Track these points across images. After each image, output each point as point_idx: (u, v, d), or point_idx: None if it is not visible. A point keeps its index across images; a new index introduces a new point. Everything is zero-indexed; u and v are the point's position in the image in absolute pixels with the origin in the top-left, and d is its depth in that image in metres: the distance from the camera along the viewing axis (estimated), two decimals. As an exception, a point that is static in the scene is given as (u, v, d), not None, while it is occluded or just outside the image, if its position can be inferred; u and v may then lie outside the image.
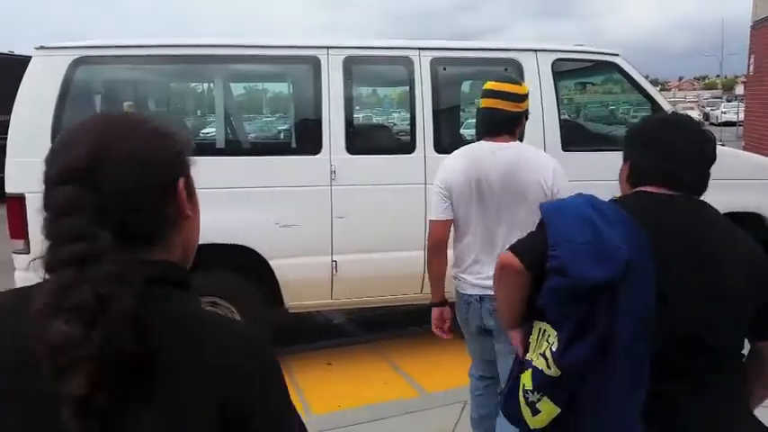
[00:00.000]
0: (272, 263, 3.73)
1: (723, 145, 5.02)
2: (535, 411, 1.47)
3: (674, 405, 1.43)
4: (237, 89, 5.02)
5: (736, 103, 31.80)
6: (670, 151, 1.56)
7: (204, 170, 3.59)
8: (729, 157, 4.86)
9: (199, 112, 5.28)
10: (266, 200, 3.77)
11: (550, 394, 1.43)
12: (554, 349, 1.41)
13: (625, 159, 1.66)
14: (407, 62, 4.09)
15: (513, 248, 1.61)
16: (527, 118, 2.62)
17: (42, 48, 3.64)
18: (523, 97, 2.56)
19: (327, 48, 3.95)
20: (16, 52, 13.16)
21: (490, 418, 2.72)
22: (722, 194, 4.36)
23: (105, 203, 0.76)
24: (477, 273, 2.56)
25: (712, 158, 1.56)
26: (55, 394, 0.67)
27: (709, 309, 1.44)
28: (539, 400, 1.45)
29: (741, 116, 22.56)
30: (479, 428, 2.85)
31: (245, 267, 3.85)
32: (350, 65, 3.96)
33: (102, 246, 0.73)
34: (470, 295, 2.59)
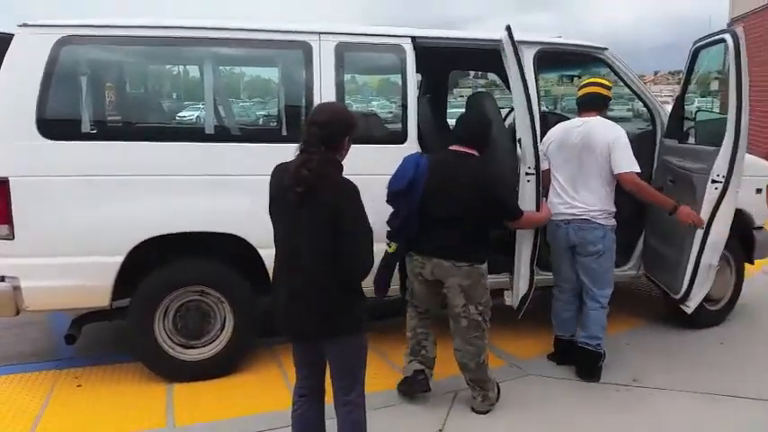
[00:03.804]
0: (261, 252, 3.65)
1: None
2: (389, 246, 3.38)
3: (427, 232, 3.31)
4: (226, 74, 4.91)
5: (710, 98, 32.10)
6: (455, 127, 3.54)
7: (190, 156, 3.58)
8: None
9: (186, 96, 5.16)
10: (255, 188, 3.66)
11: (392, 239, 3.38)
12: (389, 220, 3.39)
13: None
14: (399, 50, 4.05)
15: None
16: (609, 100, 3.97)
17: (26, 25, 3.49)
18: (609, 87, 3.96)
19: (319, 33, 3.88)
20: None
21: (571, 320, 4.00)
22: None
23: (325, 136, 2.34)
24: (564, 203, 3.81)
25: (472, 130, 3.44)
26: (290, 196, 2.29)
27: (447, 198, 3.26)
28: (390, 241, 3.38)
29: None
30: (563, 328, 4.03)
31: (234, 257, 3.79)
32: (342, 51, 3.90)
33: (319, 150, 2.31)
34: (560, 220, 3.81)
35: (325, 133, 2.34)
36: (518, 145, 3.83)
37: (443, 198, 3.27)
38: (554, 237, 3.92)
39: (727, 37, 3.86)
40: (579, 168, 3.79)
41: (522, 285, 3.90)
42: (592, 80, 4.01)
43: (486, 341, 3.41)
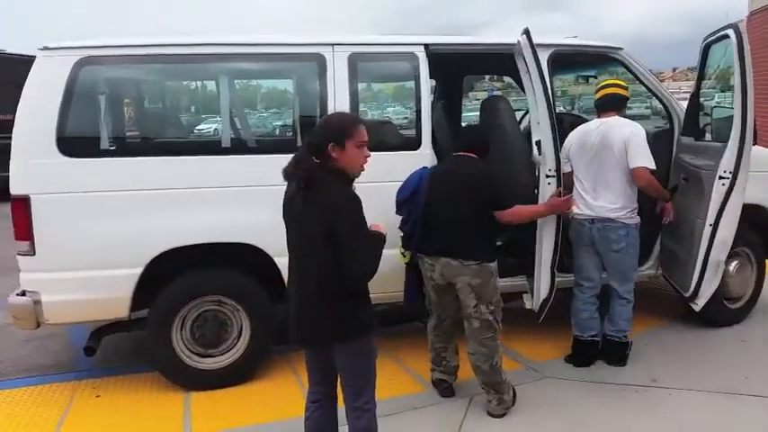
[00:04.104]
0: (277, 260, 3.70)
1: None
2: (402, 256, 3.54)
3: (431, 232, 3.40)
4: (242, 87, 4.98)
5: (730, 93, 31.48)
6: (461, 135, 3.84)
7: (206, 169, 3.64)
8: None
9: (203, 110, 5.24)
10: (271, 198, 3.70)
11: (406, 246, 3.53)
12: (400, 226, 3.54)
13: None
14: (412, 57, 4.08)
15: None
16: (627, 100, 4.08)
17: (46, 48, 3.60)
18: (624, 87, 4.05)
19: (332, 45, 3.93)
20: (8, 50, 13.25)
21: (590, 320, 4.01)
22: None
23: (309, 143, 2.49)
24: (587, 204, 3.89)
25: (469, 139, 3.62)
26: (297, 201, 2.41)
27: (448, 197, 3.36)
28: (404, 250, 3.54)
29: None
30: (581, 328, 4.04)
31: (250, 266, 3.85)
32: (355, 61, 3.94)
33: (306, 157, 2.43)
34: (584, 219, 3.90)
35: (308, 140, 2.53)
36: (535, 147, 3.82)
37: (445, 198, 3.37)
38: (578, 235, 3.98)
39: (731, 32, 3.85)
40: (599, 168, 3.86)
41: (543, 289, 3.88)
42: (609, 81, 4.11)
43: (498, 342, 3.41)
